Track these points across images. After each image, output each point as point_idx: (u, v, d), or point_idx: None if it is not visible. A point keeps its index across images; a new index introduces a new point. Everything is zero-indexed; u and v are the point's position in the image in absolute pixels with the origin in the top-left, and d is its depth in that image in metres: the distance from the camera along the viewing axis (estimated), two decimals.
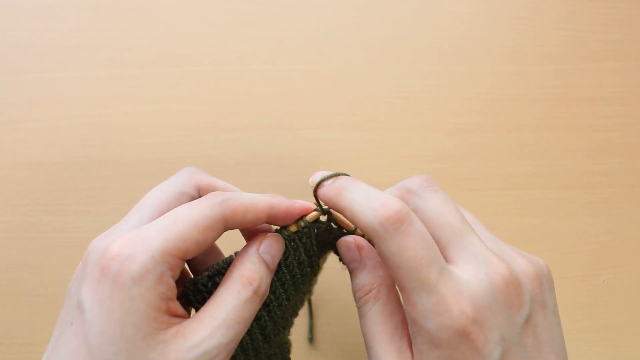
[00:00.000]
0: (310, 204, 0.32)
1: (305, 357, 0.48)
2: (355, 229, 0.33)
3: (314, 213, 0.31)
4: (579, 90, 0.52)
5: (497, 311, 0.26)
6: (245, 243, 0.31)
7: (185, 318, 0.27)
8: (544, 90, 0.52)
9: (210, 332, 0.26)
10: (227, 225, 0.28)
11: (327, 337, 0.48)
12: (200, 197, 0.30)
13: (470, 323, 0.25)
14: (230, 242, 0.35)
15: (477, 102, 0.52)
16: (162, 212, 0.29)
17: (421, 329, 0.26)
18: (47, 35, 0.52)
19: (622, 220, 0.51)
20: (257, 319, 0.32)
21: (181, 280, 0.31)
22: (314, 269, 0.33)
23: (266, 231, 0.31)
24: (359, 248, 0.32)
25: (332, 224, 0.33)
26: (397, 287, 0.28)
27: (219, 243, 0.35)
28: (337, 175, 0.31)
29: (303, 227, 0.31)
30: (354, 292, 0.31)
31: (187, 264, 0.35)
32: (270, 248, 0.30)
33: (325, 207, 0.32)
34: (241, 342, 0.32)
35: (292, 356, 0.37)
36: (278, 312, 0.32)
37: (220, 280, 0.29)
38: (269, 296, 0.32)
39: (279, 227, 0.32)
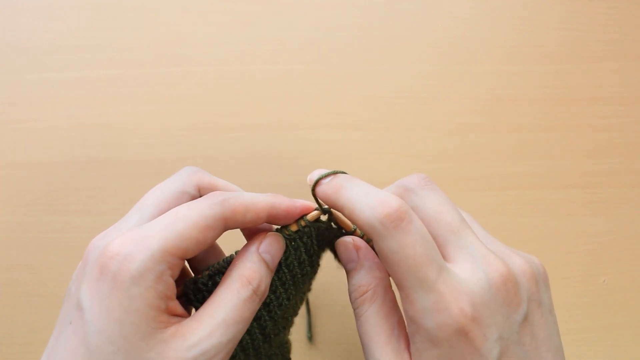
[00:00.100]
0: (311, 203, 0.32)
1: (305, 357, 0.48)
2: (355, 229, 0.33)
3: (315, 212, 0.31)
4: (579, 90, 0.52)
5: (496, 310, 0.27)
6: (246, 242, 0.31)
7: (184, 317, 0.27)
8: (544, 90, 0.52)
9: (210, 332, 0.26)
10: (227, 224, 0.28)
11: (327, 337, 0.48)
12: (201, 196, 0.30)
13: (469, 321, 0.26)
14: (231, 242, 0.35)
15: (477, 102, 0.52)
16: (163, 212, 0.29)
17: (420, 328, 0.26)
18: (47, 35, 0.52)
19: (622, 220, 0.51)
20: (258, 318, 0.32)
21: (182, 279, 0.31)
22: (315, 267, 0.33)
23: (267, 231, 0.31)
24: (357, 249, 0.32)
25: (333, 223, 0.33)
26: (395, 285, 0.28)
27: (219, 242, 0.35)
28: (335, 173, 0.30)
29: (304, 227, 0.31)
30: (350, 293, 0.31)
31: (188, 263, 0.35)
32: (270, 247, 0.30)
33: (326, 206, 0.32)
34: (241, 341, 0.32)
35: (291, 356, 0.37)
36: (278, 312, 0.32)
37: (221, 279, 0.29)
38: (269, 296, 0.32)
39: (279, 227, 0.32)
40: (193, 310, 0.31)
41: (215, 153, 0.50)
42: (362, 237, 0.32)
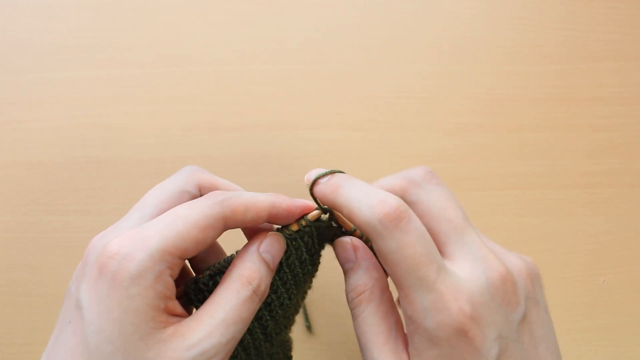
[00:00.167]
0: (312, 202, 0.32)
1: (305, 357, 0.48)
2: (356, 228, 0.32)
3: (315, 212, 0.31)
4: (579, 90, 0.52)
5: (495, 309, 0.27)
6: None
7: (184, 317, 0.27)
8: (544, 90, 0.52)
9: (209, 332, 0.26)
10: (227, 224, 0.28)
11: (327, 337, 0.48)
12: (201, 195, 0.30)
13: (468, 321, 0.26)
14: (232, 241, 0.35)
15: (477, 102, 0.52)
16: (163, 211, 0.29)
17: (419, 328, 0.26)
18: (47, 35, 0.52)
19: (622, 220, 0.51)
20: (259, 318, 0.32)
21: (183, 279, 0.31)
22: (316, 266, 0.33)
23: (267, 230, 0.31)
24: (355, 249, 0.31)
25: (333, 222, 0.33)
26: (394, 285, 0.28)
27: (221, 242, 0.35)
28: (332, 172, 0.30)
29: (304, 226, 0.31)
30: (347, 293, 0.31)
31: (189, 263, 0.35)
32: (271, 247, 0.30)
33: (326, 206, 0.32)
34: (242, 341, 0.32)
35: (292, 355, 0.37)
36: (280, 312, 0.32)
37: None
38: (270, 295, 0.32)
39: (280, 227, 0.32)
40: (194, 310, 0.31)
41: (215, 153, 0.50)
42: (362, 237, 0.32)
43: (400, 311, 0.31)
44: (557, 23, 0.53)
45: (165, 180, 0.32)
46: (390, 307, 0.30)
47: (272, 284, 0.31)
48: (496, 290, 0.27)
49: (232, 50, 0.52)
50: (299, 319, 0.48)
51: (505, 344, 0.27)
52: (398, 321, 0.30)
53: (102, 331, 0.24)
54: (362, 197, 0.27)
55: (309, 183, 0.31)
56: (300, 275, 0.32)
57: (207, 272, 0.30)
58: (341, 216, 0.33)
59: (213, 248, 0.35)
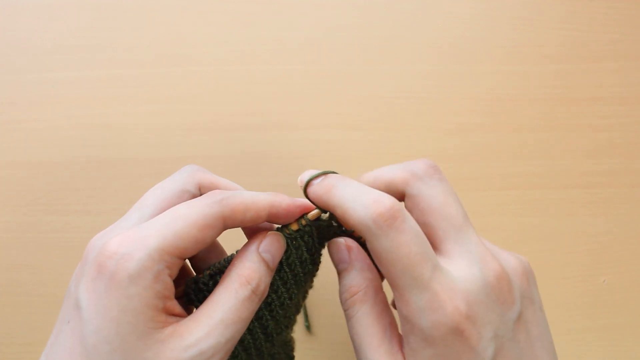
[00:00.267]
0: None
1: (305, 357, 0.48)
2: None
3: (315, 211, 0.31)
4: (579, 90, 0.52)
5: (491, 308, 0.26)
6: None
7: (183, 317, 0.27)
8: (544, 90, 0.52)
9: (207, 332, 0.26)
10: (226, 223, 0.28)
11: (327, 337, 0.48)
12: (201, 195, 0.30)
13: (464, 320, 0.25)
14: (233, 241, 0.35)
15: (477, 102, 0.52)
16: (163, 210, 0.29)
17: (414, 327, 0.26)
18: (47, 35, 0.52)
19: (622, 220, 0.51)
20: (259, 318, 0.32)
21: (183, 279, 0.31)
22: (316, 266, 0.33)
23: (268, 230, 0.31)
24: (349, 249, 0.31)
25: (333, 222, 0.33)
26: (389, 285, 0.28)
27: (221, 242, 0.35)
28: (325, 173, 0.30)
29: (304, 226, 0.31)
30: (341, 294, 0.31)
31: (190, 262, 0.34)
32: (270, 247, 0.30)
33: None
34: (243, 341, 0.32)
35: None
36: (280, 311, 0.32)
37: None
38: (270, 295, 0.31)
39: (280, 226, 0.32)
40: (194, 310, 0.31)
41: (215, 153, 0.50)
42: (361, 237, 0.32)
43: (394, 313, 0.31)
44: (557, 23, 0.53)
45: (166, 180, 0.31)
46: (385, 308, 0.30)
47: (272, 284, 0.31)
48: (492, 289, 0.27)
49: (232, 50, 0.52)
50: (299, 318, 0.48)
51: (501, 343, 0.27)
52: (392, 322, 0.30)
53: (100, 331, 0.24)
54: (356, 197, 0.27)
55: (302, 185, 0.31)
56: (301, 274, 0.32)
57: (207, 272, 0.30)
58: None
59: (214, 247, 0.35)
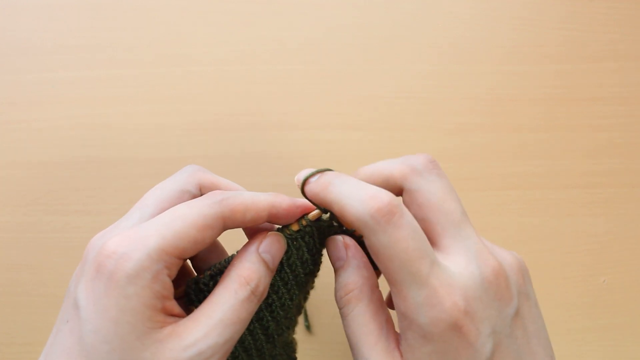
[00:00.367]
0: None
1: (305, 357, 0.48)
2: None
3: (316, 211, 0.31)
4: (579, 90, 0.52)
5: (488, 303, 0.26)
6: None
7: (181, 317, 0.27)
8: (544, 90, 0.52)
9: (206, 332, 0.26)
10: (226, 224, 0.28)
11: (327, 337, 0.48)
12: (202, 195, 0.30)
13: (462, 315, 0.25)
14: (233, 241, 0.35)
15: (477, 102, 0.52)
16: (163, 210, 0.29)
17: (412, 324, 0.26)
18: (47, 35, 0.52)
19: (622, 220, 0.51)
20: (260, 319, 0.32)
21: (184, 279, 0.31)
22: (317, 266, 0.33)
23: (268, 230, 0.31)
24: (346, 247, 0.31)
25: (334, 222, 0.33)
26: (387, 281, 0.27)
27: (223, 242, 0.35)
28: (321, 171, 0.30)
29: (305, 226, 0.31)
30: (336, 291, 0.30)
31: (191, 263, 0.34)
32: (270, 247, 0.29)
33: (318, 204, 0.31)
34: (243, 342, 0.32)
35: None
36: (281, 312, 0.32)
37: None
38: (271, 296, 0.31)
39: (280, 226, 0.32)
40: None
41: (215, 153, 0.50)
42: (361, 237, 0.32)
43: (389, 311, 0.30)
44: (557, 23, 0.53)
45: (166, 180, 0.31)
46: (381, 306, 0.30)
47: (273, 284, 0.31)
48: (490, 284, 0.27)
49: (232, 50, 0.52)
50: (299, 319, 0.48)
51: (499, 339, 0.27)
52: (389, 320, 0.29)
53: (98, 330, 0.24)
54: (353, 193, 0.27)
55: (299, 183, 0.31)
56: (302, 275, 0.32)
57: (208, 272, 0.30)
58: None
59: (215, 248, 0.35)
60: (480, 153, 0.51)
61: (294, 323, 0.35)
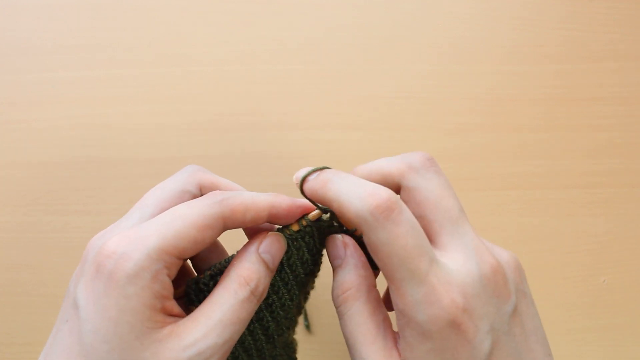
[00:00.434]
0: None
1: (305, 357, 0.48)
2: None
3: (316, 211, 0.31)
4: (579, 90, 0.52)
5: (487, 301, 0.26)
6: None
7: (181, 317, 0.27)
8: (544, 90, 0.52)
9: (205, 332, 0.26)
10: (226, 224, 0.28)
11: (327, 337, 0.48)
12: (202, 195, 0.30)
13: (460, 313, 0.25)
14: (233, 241, 0.35)
15: (477, 102, 0.52)
16: (164, 210, 0.29)
17: (411, 321, 0.26)
18: (47, 35, 0.52)
19: (622, 220, 0.51)
20: (260, 319, 0.32)
21: (184, 279, 0.31)
22: (317, 266, 0.33)
23: (268, 230, 0.31)
24: (345, 246, 0.31)
25: (334, 222, 0.33)
26: (385, 278, 0.27)
27: (223, 242, 0.35)
28: (320, 169, 0.30)
29: (305, 226, 0.31)
30: (333, 290, 0.30)
31: (191, 263, 0.34)
32: (270, 247, 0.29)
33: (317, 202, 0.31)
34: (243, 342, 0.32)
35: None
36: (281, 313, 0.32)
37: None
38: (271, 296, 0.31)
39: (281, 227, 0.32)
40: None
41: (215, 153, 0.50)
42: (361, 237, 0.32)
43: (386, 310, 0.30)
44: (557, 23, 0.53)
45: (166, 180, 0.31)
46: (378, 304, 0.30)
47: (273, 285, 0.31)
48: (488, 282, 0.27)
49: (232, 50, 0.52)
50: (299, 319, 0.48)
51: (497, 337, 0.26)
52: (386, 318, 0.29)
53: (98, 330, 0.24)
54: (352, 190, 0.27)
55: (298, 182, 0.30)
56: (302, 275, 0.32)
57: (208, 272, 0.30)
58: None
59: (215, 248, 0.35)
60: (480, 153, 0.51)
61: (294, 323, 0.35)
